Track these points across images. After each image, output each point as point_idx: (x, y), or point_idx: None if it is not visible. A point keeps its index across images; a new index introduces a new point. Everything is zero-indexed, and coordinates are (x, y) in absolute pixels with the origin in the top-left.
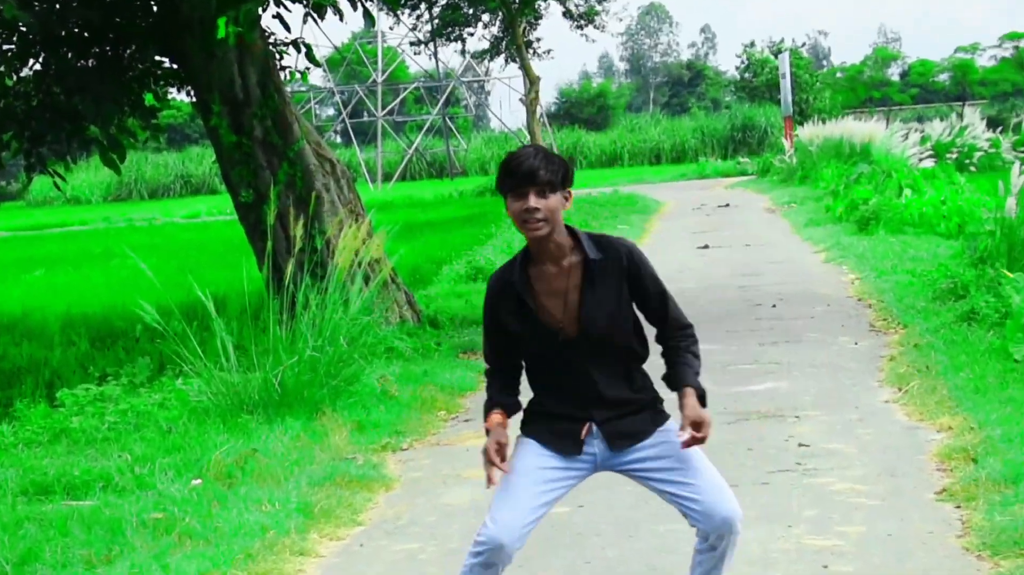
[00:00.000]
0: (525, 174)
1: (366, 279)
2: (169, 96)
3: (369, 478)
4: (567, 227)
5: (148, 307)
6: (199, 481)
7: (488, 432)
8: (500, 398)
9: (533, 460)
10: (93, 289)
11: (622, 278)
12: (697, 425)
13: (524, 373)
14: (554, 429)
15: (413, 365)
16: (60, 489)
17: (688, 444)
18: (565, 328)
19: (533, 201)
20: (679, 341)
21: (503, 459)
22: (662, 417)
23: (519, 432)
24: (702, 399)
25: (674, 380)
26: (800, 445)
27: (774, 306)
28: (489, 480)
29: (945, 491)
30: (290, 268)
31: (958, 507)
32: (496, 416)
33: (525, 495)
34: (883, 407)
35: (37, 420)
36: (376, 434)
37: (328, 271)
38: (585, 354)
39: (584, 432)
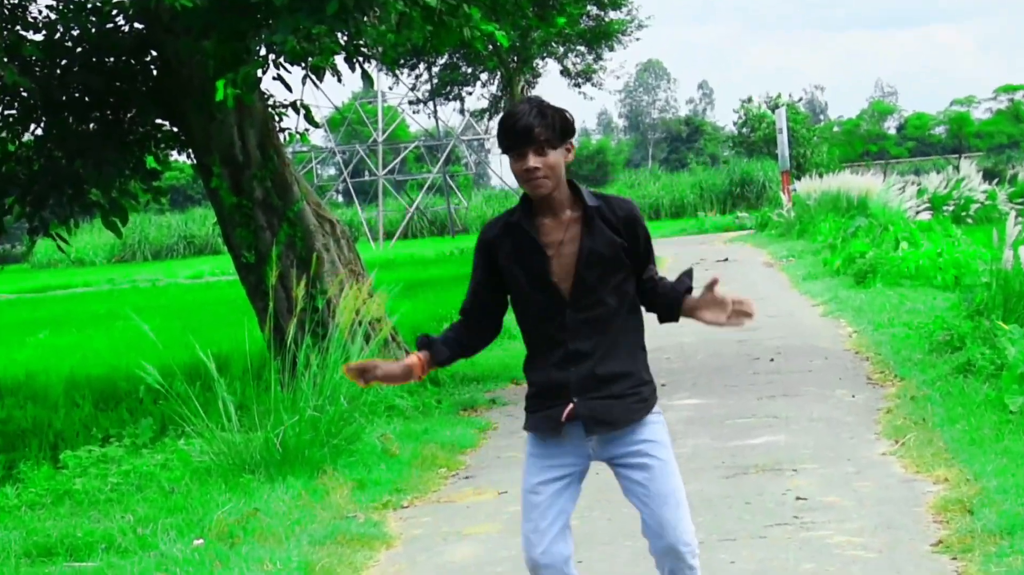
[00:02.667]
0: (521, 133)
1: (367, 338)
2: (170, 158)
3: (370, 536)
4: (569, 181)
5: (151, 368)
6: (201, 541)
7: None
8: (441, 336)
9: (534, 475)
10: (97, 351)
11: (617, 230)
12: (737, 310)
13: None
14: (540, 415)
15: (414, 423)
16: (63, 551)
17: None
18: (559, 283)
19: (532, 161)
20: (656, 281)
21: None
22: (647, 406)
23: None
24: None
25: (672, 298)
26: (798, 498)
27: (772, 360)
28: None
29: (941, 543)
30: (291, 328)
31: (954, 559)
32: (413, 357)
33: (538, 509)
34: (880, 459)
35: (41, 482)
36: (377, 492)
37: (329, 331)
38: (577, 311)
39: (565, 414)
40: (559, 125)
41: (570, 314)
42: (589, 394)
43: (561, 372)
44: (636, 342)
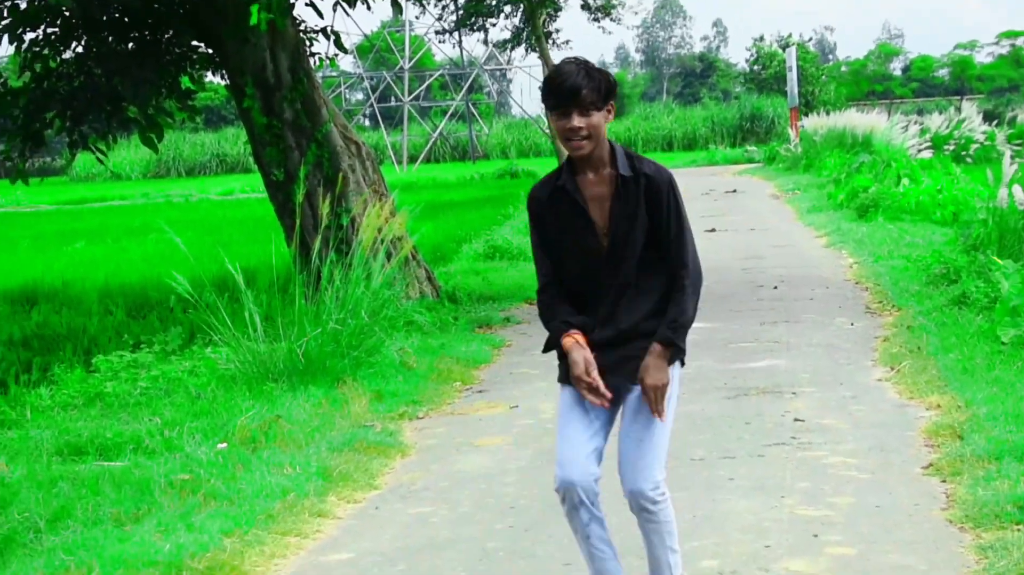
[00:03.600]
0: (568, 93)
1: (388, 255)
2: (205, 79)
3: (386, 445)
4: (609, 142)
5: (181, 279)
6: (224, 445)
7: (567, 353)
8: (569, 318)
9: (572, 396)
10: (130, 261)
11: (641, 199)
12: (644, 389)
13: None
14: (575, 372)
15: (431, 338)
16: (93, 450)
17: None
18: (600, 241)
19: (576, 120)
20: (672, 282)
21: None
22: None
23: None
24: (679, 351)
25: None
26: (796, 420)
27: (775, 288)
28: (597, 394)
29: (932, 466)
30: (316, 244)
31: (944, 481)
32: (573, 337)
33: (575, 430)
34: (876, 385)
35: (74, 384)
36: (394, 403)
37: (352, 248)
38: (614, 269)
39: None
40: (604, 87)
41: (606, 272)
42: (620, 350)
43: (597, 330)
44: (666, 298)
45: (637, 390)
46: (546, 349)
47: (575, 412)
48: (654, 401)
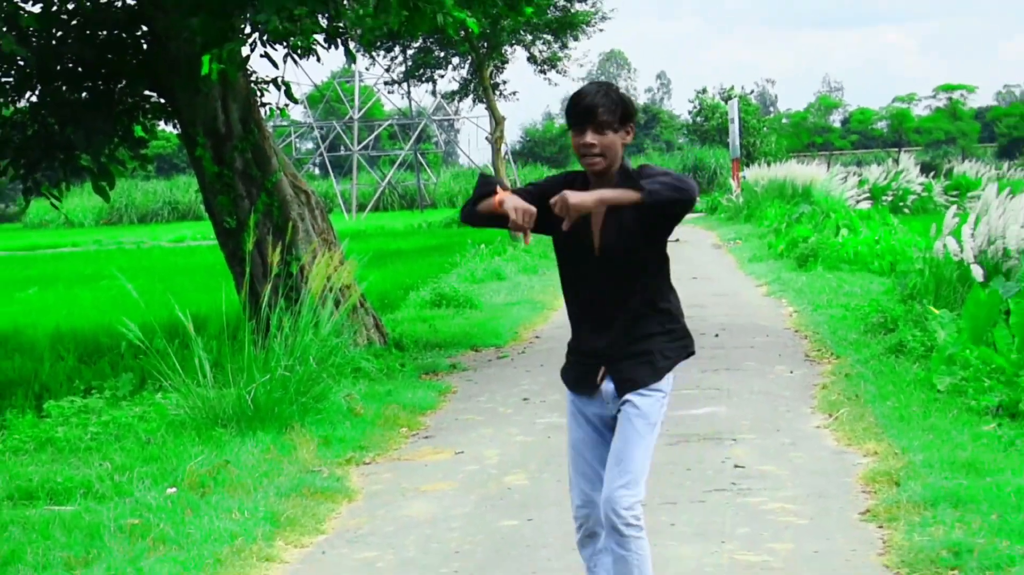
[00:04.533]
0: (584, 111)
1: (336, 303)
2: (157, 128)
3: (333, 490)
4: (622, 166)
5: (132, 325)
6: (174, 490)
7: (499, 203)
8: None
9: (577, 431)
10: (82, 308)
11: (639, 210)
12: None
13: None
14: (576, 373)
15: (378, 385)
16: (44, 495)
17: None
18: (595, 243)
19: (590, 137)
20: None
21: (528, 216)
22: (660, 373)
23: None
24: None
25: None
26: (736, 466)
27: (717, 335)
28: (524, 235)
29: (869, 512)
30: (266, 292)
31: (881, 527)
32: (501, 193)
33: (585, 461)
34: (814, 432)
35: (25, 430)
36: (341, 449)
37: (301, 296)
38: (608, 276)
39: (600, 377)
40: (621, 109)
41: (603, 278)
42: (619, 353)
43: (596, 336)
44: (662, 304)
45: (623, 404)
46: (473, 217)
47: (584, 442)
48: (559, 204)
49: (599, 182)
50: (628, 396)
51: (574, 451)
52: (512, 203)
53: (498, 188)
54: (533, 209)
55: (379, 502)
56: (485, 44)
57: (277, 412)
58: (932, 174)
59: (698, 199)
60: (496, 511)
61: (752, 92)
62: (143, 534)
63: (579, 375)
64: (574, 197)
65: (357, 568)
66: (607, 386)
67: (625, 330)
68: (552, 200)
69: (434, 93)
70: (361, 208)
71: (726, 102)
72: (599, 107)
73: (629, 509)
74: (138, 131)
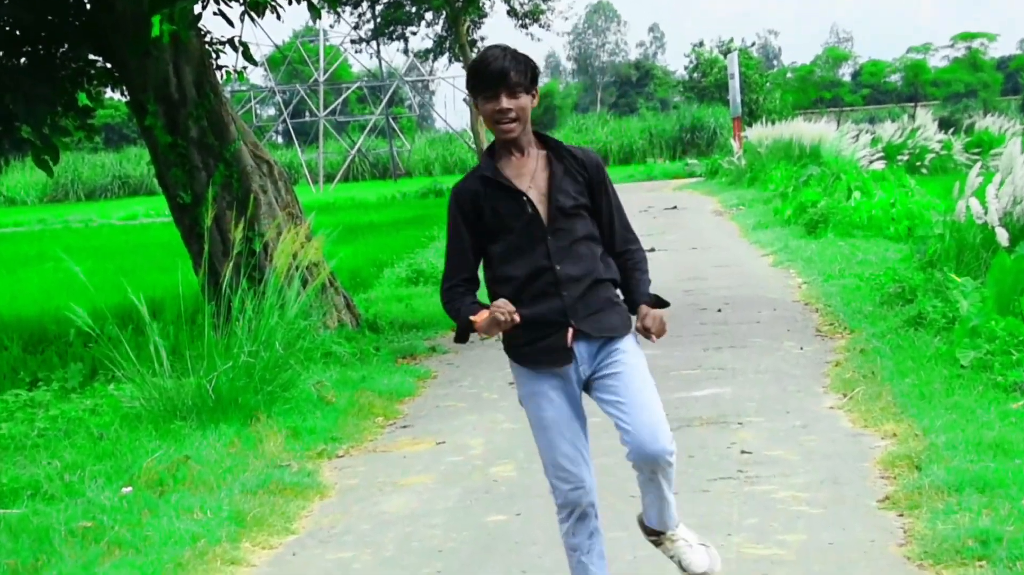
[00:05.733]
0: (495, 76)
1: (304, 283)
2: (104, 96)
3: (303, 485)
4: (535, 132)
5: (81, 311)
6: (130, 489)
7: (479, 323)
8: (477, 304)
9: (549, 410)
10: (26, 292)
11: (584, 183)
12: (647, 330)
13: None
14: (539, 346)
15: (351, 370)
16: None
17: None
18: (539, 213)
19: (505, 102)
20: (626, 260)
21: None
22: (628, 324)
23: (511, 361)
24: (661, 303)
25: (630, 306)
26: (742, 452)
27: (719, 310)
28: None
29: (888, 499)
30: (227, 271)
31: (901, 515)
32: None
33: (567, 440)
34: (827, 413)
35: None
36: (311, 441)
37: (265, 275)
38: (556, 237)
39: (570, 338)
40: (529, 71)
41: (552, 240)
42: (584, 310)
43: (554, 299)
44: (608, 275)
45: (609, 359)
46: (459, 337)
47: (554, 422)
48: (655, 326)
49: (512, 147)
50: (613, 345)
51: (552, 433)
52: (495, 322)
53: (475, 318)
54: (513, 310)
55: (354, 498)
56: None
57: (241, 402)
58: (951, 130)
59: None
60: (481, 505)
61: (753, 45)
62: (96, 538)
63: (544, 347)
64: (662, 320)
65: (331, 570)
66: (579, 347)
67: (582, 292)
68: (652, 332)
69: (406, 52)
70: (329, 179)
71: (725, 56)
72: (510, 70)
73: (671, 445)
74: (83, 99)
